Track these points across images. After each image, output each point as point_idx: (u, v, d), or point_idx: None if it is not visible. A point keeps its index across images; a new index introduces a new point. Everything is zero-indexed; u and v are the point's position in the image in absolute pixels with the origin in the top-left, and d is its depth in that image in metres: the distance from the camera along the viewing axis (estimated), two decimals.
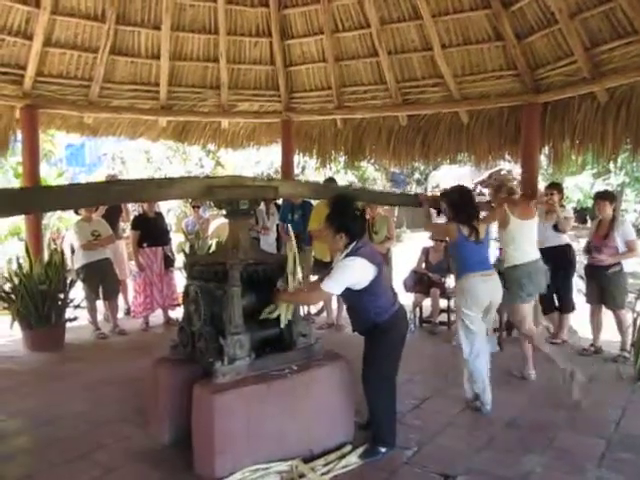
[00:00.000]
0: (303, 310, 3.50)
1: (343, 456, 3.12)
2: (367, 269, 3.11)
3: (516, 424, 3.69)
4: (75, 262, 6.35)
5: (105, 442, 3.43)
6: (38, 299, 5.56)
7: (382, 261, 3.35)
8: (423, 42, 6.89)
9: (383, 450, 3.21)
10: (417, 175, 23.37)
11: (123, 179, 7.81)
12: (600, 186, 15.38)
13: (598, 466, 3.11)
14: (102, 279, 6.24)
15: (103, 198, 3.46)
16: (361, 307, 3.24)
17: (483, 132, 7.06)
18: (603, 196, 5.44)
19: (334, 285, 3.12)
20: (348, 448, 3.21)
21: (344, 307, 6.56)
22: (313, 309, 6.75)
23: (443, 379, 4.56)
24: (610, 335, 5.38)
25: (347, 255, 3.14)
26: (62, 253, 6.16)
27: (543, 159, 7.67)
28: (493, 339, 5.48)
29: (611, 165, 12.65)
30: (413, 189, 23.75)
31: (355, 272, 3.09)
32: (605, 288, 5.19)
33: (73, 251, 6.60)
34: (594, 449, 3.30)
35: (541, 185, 7.41)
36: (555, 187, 5.84)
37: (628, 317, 5.04)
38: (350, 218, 3.21)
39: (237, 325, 3.07)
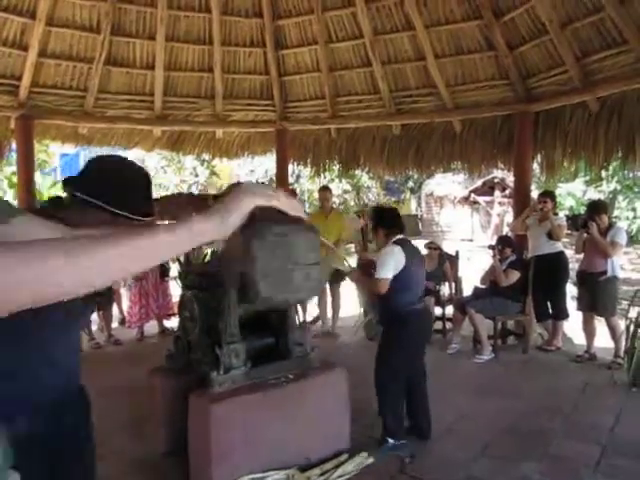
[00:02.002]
0: (299, 319, 3.50)
1: (339, 465, 3.12)
2: (400, 255, 3.45)
3: (513, 431, 3.71)
4: None
5: (101, 453, 3.36)
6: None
7: (420, 260, 3.79)
8: (416, 52, 6.95)
9: (391, 441, 3.25)
10: (411, 183, 23.47)
11: None
12: (592, 193, 15.52)
13: (594, 472, 3.12)
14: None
15: None
16: (388, 295, 3.44)
17: (476, 141, 7.11)
18: (597, 208, 5.47)
19: (382, 271, 3.42)
20: (344, 457, 3.21)
21: (339, 316, 6.62)
22: (309, 317, 6.75)
23: (439, 387, 4.57)
24: (604, 342, 5.41)
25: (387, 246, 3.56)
26: None
27: (536, 167, 7.73)
28: (488, 346, 5.52)
29: (603, 173, 12.75)
30: (407, 197, 23.87)
31: (394, 256, 3.45)
32: (597, 295, 5.22)
33: None
34: (590, 455, 3.31)
35: (534, 193, 7.48)
36: (548, 195, 5.90)
37: (620, 324, 5.08)
38: (386, 219, 3.72)
39: (233, 334, 3.07)
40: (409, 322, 3.43)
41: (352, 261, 6.93)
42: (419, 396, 3.59)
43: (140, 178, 1.59)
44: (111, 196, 1.42)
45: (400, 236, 3.63)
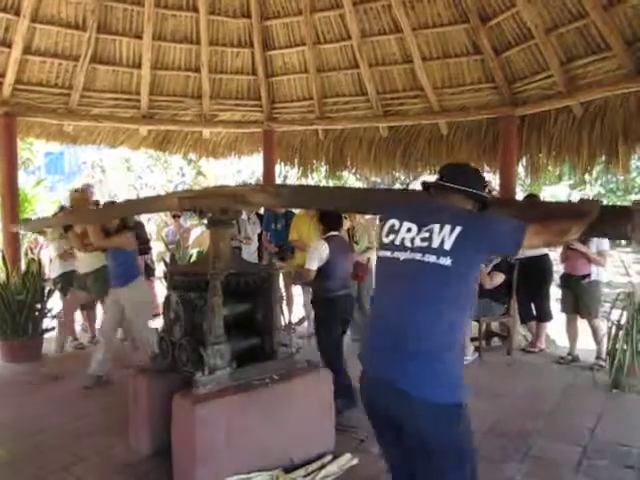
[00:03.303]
0: (284, 320, 3.50)
1: (324, 466, 3.13)
2: (325, 250, 4.02)
3: (496, 432, 3.73)
4: (52, 272, 6.27)
5: (84, 454, 3.39)
6: (15, 309, 5.47)
7: (346, 254, 4.37)
8: (403, 55, 6.97)
9: (340, 402, 3.60)
10: (398, 185, 23.53)
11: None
12: (576, 197, 15.70)
13: (575, 473, 3.16)
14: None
15: None
16: (316, 282, 4.03)
17: (462, 143, 7.16)
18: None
19: (309, 262, 3.99)
20: (329, 458, 3.21)
21: None
22: (294, 319, 6.76)
23: None
24: (586, 344, 5.47)
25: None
26: (40, 263, 6.08)
27: (521, 170, 7.81)
28: (471, 347, 5.56)
29: (586, 176, 12.92)
30: None
31: (318, 250, 4.04)
32: (580, 298, 5.29)
33: (52, 260, 6.51)
34: (571, 456, 3.35)
35: (519, 195, 7.55)
36: (532, 198, 5.95)
37: (603, 326, 5.14)
38: (328, 219, 4.24)
39: (218, 335, 3.06)
40: (332, 305, 4.06)
41: None
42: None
43: (479, 173, 2.23)
44: (472, 182, 2.05)
45: (334, 233, 4.21)
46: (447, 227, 1.86)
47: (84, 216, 5.30)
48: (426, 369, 1.80)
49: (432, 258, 1.86)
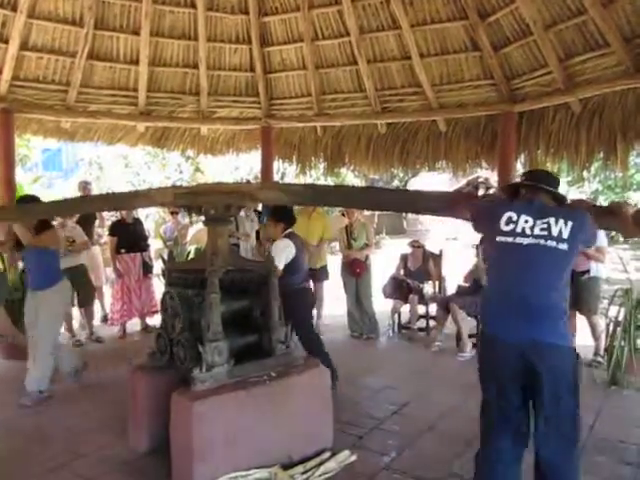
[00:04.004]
0: (282, 316, 3.50)
1: (322, 463, 3.13)
2: (292, 248, 4.30)
3: None
4: None
5: (83, 451, 3.38)
6: (12, 307, 5.46)
7: (304, 249, 4.66)
8: (402, 51, 6.96)
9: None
10: (396, 182, 23.54)
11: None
12: (574, 194, 15.71)
13: None
14: (77, 286, 6.14)
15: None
16: (283, 277, 4.06)
17: (460, 140, 7.16)
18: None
19: (276, 260, 3.89)
20: (327, 455, 3.21)
21: (323, 313, 6.64)
22: None
23: (422, 385, 4.60)
24: (584, 340, 5.47)
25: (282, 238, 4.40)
26: None
27: (519, 167, 7.80)
28: (469, 343, 5.56)
29: (585, 173, 12.91)
30: None
31: (286, 249, 4.26)
32: (579, 294, 5.28)
33: None
34: None
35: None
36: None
37: (601, 322, 5.15)
38: (287, 217, 4.52)
39: (216, 332, 3.06)
40: (302, 295, 4.49)
41: (336, 259, 6.94)
42: None
43: (557, 176, 2.82)
44: (553, 184, 2.60)
45: (290, 230, 4.49)
46: (561, 221, 2.40)
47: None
48: (553, 326, 2.39)
49: (552, 243, 2.38)
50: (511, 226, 2.46)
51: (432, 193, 3.44)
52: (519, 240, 2.43)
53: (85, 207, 4.78)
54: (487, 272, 2.87)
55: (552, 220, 2.41)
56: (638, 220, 2.43)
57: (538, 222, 2.42)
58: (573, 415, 2.40)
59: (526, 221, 2.44)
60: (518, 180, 2.88)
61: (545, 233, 2.39)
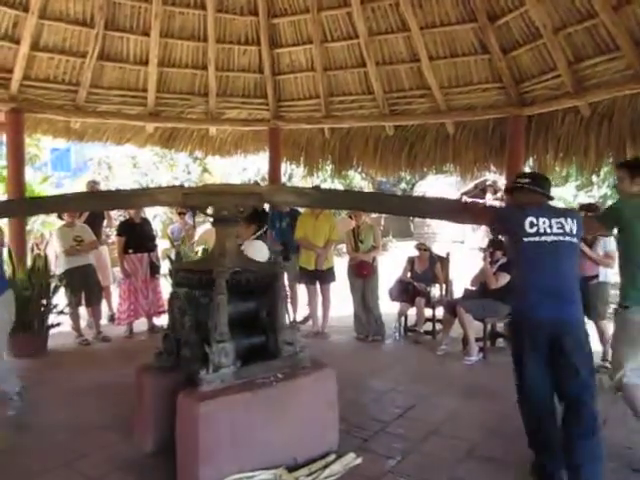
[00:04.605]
0: (289, 318, 3.50)
1: (327, 465, 3.12)
2: (265, 248, 4.38)
3: (499, 432, 3.72)
4: (57, 268, 6.30)
5: (88, 451, 3.39)
6: (20, 305, 5.48)
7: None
8: (410, 54, 6.97)
9: None
10: (403, 185, 23.50)
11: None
12: (583, 198, 15.61)
13: None
14: (85, 285, 6.19)
15: None
16: None
17: (469, 143, 7.14)
18: (587, 209, 5.52)
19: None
20: (332, 457, 3.20)
21: (329, 315, 6.63)
22: (299, 317, 6.75)
23: (427, 388, 4.58)
24: (592, 345, 5.43)
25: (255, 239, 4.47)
26: (46, 258, 6.10)
27: (527, 171, 7.77)
28: (475, 347, 5.54)
29: (594, 178, 12.85)
30: None
31: (263, 249, 4.33)
32: (587, 299, 5.24)
33: (57, 256, 6.54)
34: None
35: None
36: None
37: (609, 328, 5.11)
38: (262, 218, 4.58)
39: (222, 333, 3.06)
40: None
41: (343, 261, 6.94)
42: None
43: (549, 179, 3.33)
44: (545, 187, 3.10)
45: (260, 233, 4.57)
46: (569, 219, 2.97)
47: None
48: (576, 306, 3.02)
49: (568, 238, 2.95)
50: (535, 228, 2.94)
51: (443, 200, 4.10)
52: (544, 238, 2.93)
53: (93, 204, 4.69)
54: (517, 268, 3.26)
55: (563, 219, 2.96)
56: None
57: (553, 221, 2.94)
58: (590, 363, 3.03)
59: (544, 222, 2.94)
60: (521, 181, 3.18)
61: (561, 230, 2.94)
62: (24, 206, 4.73)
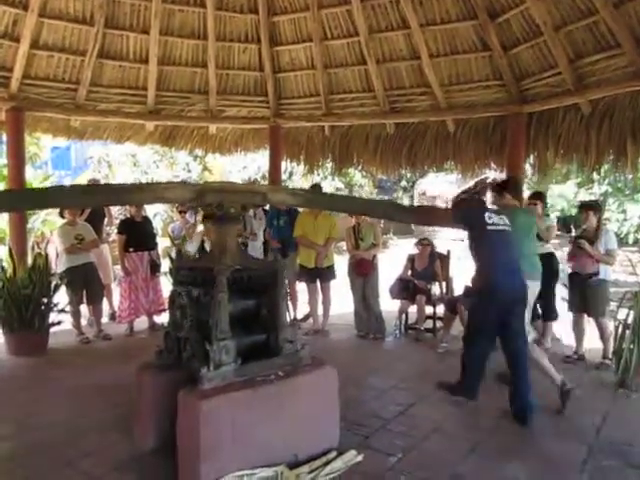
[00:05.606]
0: (289, 316, 3.50)
1: (328, 462, 3.13)
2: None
3: (500, 430, 3.73)
4: (58, 266, 6.30)
5: (89, 449, 3.40)
6: (21, 303, 5.50)
7: None
8: (411, 51, 6.96)
9: None
10: (404, 182, 23.49)
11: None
12: (584, 195, 15.61)
13: (580, 473, 3.15)
14: (86, 283, 6.19)
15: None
16: None
17: (469, 141, 7.13)
18: (588, 206, 5.53)
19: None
20: (333, 454, 3.21)
21: (330, 314, 6.63)
22: (299, 315, 6.76)
23: (428, 385, 4.59)
24: (593, 343, 5.45)
25: None
26: (46, 257, 6.10)
27: (528, 168, 7.77)
28: None
29: (594, 175, 12.84)
30: (400, 196, 23.89)
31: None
32: (588, 297, 5.26)
33: (58, 255, 6.54)
34: (577, 456, 3.34)
35: (526, 194, 7.50)
36: (538, 197, 5.91)
37: (610, 325, 5.12)
38: None
39: (223, 331, 3.06)
40: None
41: (343, 259, 6.94)
42: None
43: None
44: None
45: None
46: (503, 216, 4.09)
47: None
48: (521, 275, 3.99)
49: (508, 228, 4.04)
50: (491, 220, 3.98)
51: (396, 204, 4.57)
52: (498, 228, 3.99)
53: (97, 199, 4.56)
54: (482, 253, 4.04)
55: (502, 215, 4.08)
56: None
57: (498, 217, 4.04)
58: (524, 314, 4.05)
59: (493, 217, 4.01)
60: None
61: (503, 222, 4.02)
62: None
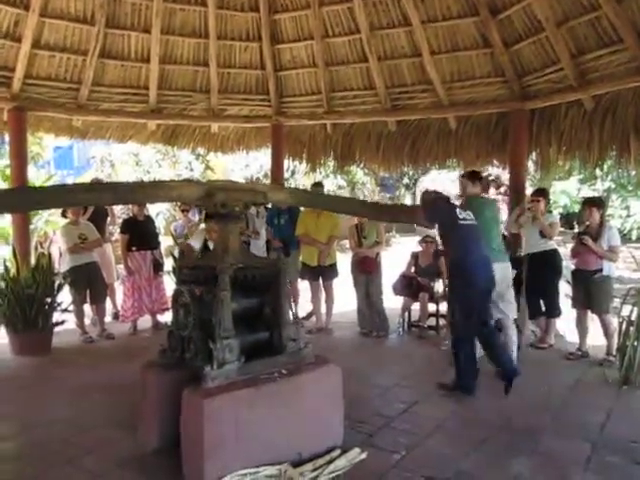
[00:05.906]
0: (292, 314, 3.50)
1: (332, 460, 3.12)
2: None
3: (503, 427, 3.72)
4: (62, 265, 6.31)
5: (92, 447, 3.40)
6: (25, 303, 5.51)
7: None
8: (412, 48, 6.95)
9: None
10: (406, 180, 23.46)
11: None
12: (586, 192, 15.56)
13: (584, 470, 3.14)
14: (89, 282, 6.20)
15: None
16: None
17: (471, 138, 7.13)
18: (591, 202, 5.51)
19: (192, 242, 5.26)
20: (337, 452, 3.21)
21: (333, 312, 6.63)
22: (302, 313, 6.76)
23: (432, 383, 4.58)
24: (596, 339, 5.43)
25: None
26: (50, 256, 6.11)
27: (530, 165, 7.75)
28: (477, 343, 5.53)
29: (597, 171, 12.80)
30: (402, 194, 23.86)
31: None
32: (591, 293, 5.24)
33: (61, 254, 6.55)
34: (580, 453, 3.33)
35: (529, 190, 7.49)
36: (541, 193, 5.90)
37: (614, 322, 5.10)
38: None
39: (227, 329, 3.06)
40: None
41: (346, 257, 6.94)
42: None
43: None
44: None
45: None
46: (468, 211, 4.41)
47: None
48: (492, 268, 4.35)
49: (474, 222, 4.36)
50: (462, 215, 4.33)
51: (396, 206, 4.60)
52: (468, 222, 4.33)
53: (103, 198, 4.54)
54: (457, 245, 4.36)
55: (468, 212, 4.40)
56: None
57: (465, 213, 4.37)
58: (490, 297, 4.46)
59: (462, 213, 4.36)
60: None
61: (470, 217, 4.36)
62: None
